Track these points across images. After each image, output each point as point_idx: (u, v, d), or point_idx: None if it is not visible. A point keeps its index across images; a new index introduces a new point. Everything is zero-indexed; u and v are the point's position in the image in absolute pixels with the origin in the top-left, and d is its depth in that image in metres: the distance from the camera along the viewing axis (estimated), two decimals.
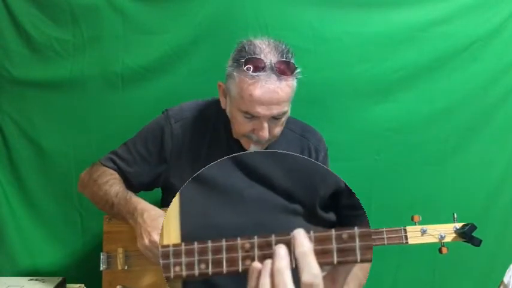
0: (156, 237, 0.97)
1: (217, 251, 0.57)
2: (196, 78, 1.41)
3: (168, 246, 0.62)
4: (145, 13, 1.41)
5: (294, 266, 0.54)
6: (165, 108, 1.16)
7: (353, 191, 0.75)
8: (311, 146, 1.17)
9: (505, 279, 1.06)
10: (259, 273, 0.54)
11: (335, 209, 0.93)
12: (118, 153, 1.16)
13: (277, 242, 0.55)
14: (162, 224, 0.70)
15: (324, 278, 0.56)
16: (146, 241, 0.98)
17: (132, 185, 1.15)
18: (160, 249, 0.62)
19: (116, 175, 1.13)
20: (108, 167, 1.14)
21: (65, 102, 1.44)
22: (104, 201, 1.10)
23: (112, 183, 1.10)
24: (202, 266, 0.58)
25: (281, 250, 0.54)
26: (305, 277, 0.52)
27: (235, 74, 0.99)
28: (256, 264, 0.54)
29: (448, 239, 1.02)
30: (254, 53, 0.97)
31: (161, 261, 0.61)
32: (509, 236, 1.55)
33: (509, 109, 1.51)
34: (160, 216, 1.00)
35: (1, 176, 1.45)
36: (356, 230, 0.54)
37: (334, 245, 0.54)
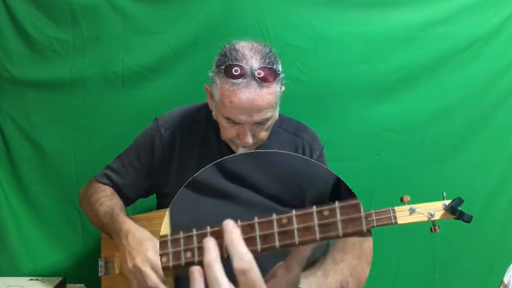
0: (139, 262, 0.92)
1: (202, 238, 0.57)
2: (196, 78, 1.41)
3: None
4: (145, 13, 1.41)
5: (226, 256, 0.54)
6: (155, 117, 1.16)
7: (346, 184, 0.75)
8: (305, 145, 1.16)
9: (505, 279, 1.06)
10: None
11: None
12: (112, 167, 1.16)
13: (260, 224, 0.55)
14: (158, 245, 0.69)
15: (279, 267, 0.57)
16: (130, 265, 0.93)
17: (129, 196, 1.15)
18: None
19: (108, 191, 1.12)
20: (103, 183, 1.14)
21: (65, 102, 1.44)
22: (95, 221, 1.10)
23: (102, 202, 1.08)
24: (188, 254, 0.58)
25: (209, 243, 0.55)
26: (236, 264, 0.52)
27: (216, 79, 0.98)
28: (195, 267, 0.55)
29: (438, 216, 1.03)
30: (235, 59, 0.96)
31: None
32: (509, 236, 1.55)
33: (509, 109, 1.51)
34: (146, 240, 0.96)
35: (1, 176, 1.45)
36: (337, 205, 0.54)
37: (315, 222, 0.54)
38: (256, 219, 0.56)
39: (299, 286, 0.58)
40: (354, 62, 1.45)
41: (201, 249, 0.56)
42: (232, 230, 0.54)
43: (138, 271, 0.92)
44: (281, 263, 0.57)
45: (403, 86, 1.47)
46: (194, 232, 0.58)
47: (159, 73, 1.44)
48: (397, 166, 1.51)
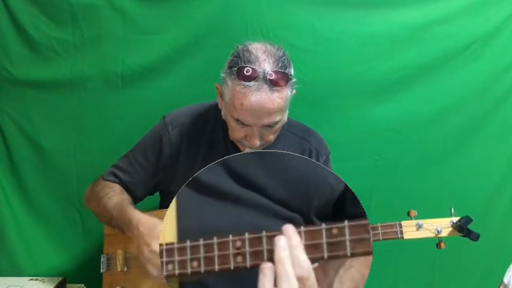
0: (156, 246, 0.92)
1: (209, 248, 0.57)
2: (197, 79, 1.41)
3: (161, 245, 0.62)
4: (145, 13, 1.41)
5: None
6: (163, 115, 1.16)
7: (351, 189, 0.74)
8: (312, 149, 1.16)
9: (505, 279, 1.06)
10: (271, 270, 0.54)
11: (340, 214, 0.93)
12: (119, 165, 1.16)
13: (268, 238, 0.55)
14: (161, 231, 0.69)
15: (315, 270, 0.56)
16: (146, 252, 0.94)
17: (136, 195, 1.15)
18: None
19: (116, 188, 1.13)
20: (110, 181, 1.14)
21: (65, 102, 1.44)
22: (103, 215, 1.10)
23: (111, 196, 1.09)
24: (195, 264, 0.58)
25: (281, 241, 0.54)
26: (295, 271, 0.52)
27: (228, 80, 0.98)
28: (267, 263, 0.55)
29: (445, 233, 1.02)
30: (248, 61, 0.95)
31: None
32: (509, 236, 1.55)
33: (509, 109, 1.50)
34: (156, 224, 0.96)
35: (1, 176, 1.45)
36: (346, 224, 0.54)
37: (324, 240, 0.54)
38: (264, 233, 0.56)
39: None
40: (354, 62, 1.45)
41: (208, 259, 0.56)
42: (292, 235, 0.55)
43: (156, 255, 0.92)
44: (316, 264, 0.57)
45: (403, 86, 1.47)
46: (201, 242, 0.58)
47: (159, 73, 1.44)
48: (397, 166, 1.51)
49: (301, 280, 0.52)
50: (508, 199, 1.54)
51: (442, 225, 1.02)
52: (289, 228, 0.55)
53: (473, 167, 1.52)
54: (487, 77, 1.48)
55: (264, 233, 0.56)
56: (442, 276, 1.55)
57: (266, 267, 0.54)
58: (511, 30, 1.46)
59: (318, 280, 0.56)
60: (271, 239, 0.56)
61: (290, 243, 0.54)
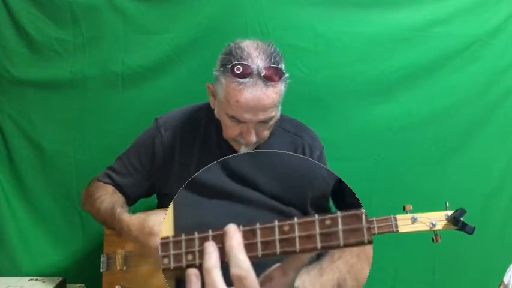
0: (153, 244, 0.93)
1: (204, 241, 0.57)
2: (196, 78, 1.41)
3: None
4: (145, 13, 1.41)
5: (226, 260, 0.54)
6: (156, 117, 1.16)
7: (348, 185, 0.74)
8: (305, 144, 1.16)
9: (505, 279, 1.06)
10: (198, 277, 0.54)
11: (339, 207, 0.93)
12: (113, 167, 1.17)
13: (261, 230, 0.55)
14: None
15: (275, 270, 0.57)
16: (152, 243, 0.94)
17: (129, 196, 1.16)
18: None
19: (109, 189, 1.13)
20: (105, 183, 1.15)
21: (65, 102, 1.44)
22: (98, 218, 1.11)
23: (102, 200, 1.09)
24: (190, 257, 0.58)
25: (209, 248, 0.55)
26: (232, 270, 0.52)
27: (222, 78, 0.98)
28: (193, 270, 0.55)
29: (440, 226, 1.03)
30: (241, 58, 0.96)
31: None
32: (509, 236, 1.55)
33: (509, 109, 1.50)
34: (145, 220, 0.96)
35: (1, 176, 1.45)
36: (339, 214, 0.54)
37: (317, 230, 0.54)
38: (258, 225, 0.56)
39: (295, 286, 0.58)
40: (354, 62, 1.45)
41: (202, 252, 0.56)
42: (233, 235, 0.54)
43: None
44: (278, 265, 0.57)
45: (403, 86, 1.47)
46: (196, 235, 0.58)
47: (159, 73, 1.44)
48: (397, 166, 1.51)
49: (239, 279, 0.51)
50: (508, 199, 1.54)
51: (437, 219, 1.03)
52: (230, 228, 0.55)
53: (473, 167, 1.52)
54: (487, 77, 1.48)
55: (257, 225, 0.56)
56: (442, 276, 1.55)
57: (192, 275, 0.54)
58: (511, 30, 1.47)
59: (273, 279, 0.56)
60: (216, 238, 0.56)
61: (230, 243, 0.54)
